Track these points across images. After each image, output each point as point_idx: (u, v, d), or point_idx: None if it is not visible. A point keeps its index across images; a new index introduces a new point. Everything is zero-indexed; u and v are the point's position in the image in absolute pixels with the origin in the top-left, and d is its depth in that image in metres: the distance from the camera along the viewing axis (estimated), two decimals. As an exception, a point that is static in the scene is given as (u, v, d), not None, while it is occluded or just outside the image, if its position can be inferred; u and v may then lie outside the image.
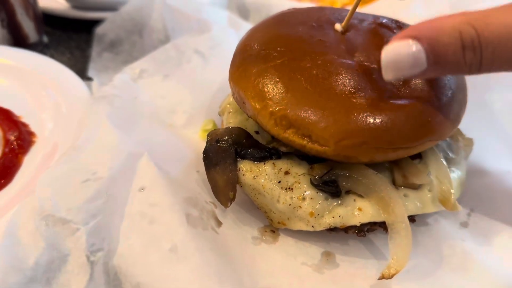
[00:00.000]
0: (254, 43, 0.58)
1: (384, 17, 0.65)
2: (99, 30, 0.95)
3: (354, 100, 0.49)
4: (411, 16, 0.89)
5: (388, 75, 0.43)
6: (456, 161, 0.59)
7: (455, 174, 0.57)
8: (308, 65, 0.52)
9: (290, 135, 0.51)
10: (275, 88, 0.52)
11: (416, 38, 0.40)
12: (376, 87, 0.50)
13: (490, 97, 0.68)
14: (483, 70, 0.40)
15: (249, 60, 0.56)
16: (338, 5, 1.09)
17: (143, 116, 0.69)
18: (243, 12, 1.12)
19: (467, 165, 0.63)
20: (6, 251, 0.45)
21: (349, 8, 0.58)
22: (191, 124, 0.73)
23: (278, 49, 0.55)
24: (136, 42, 0.94)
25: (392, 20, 0.64)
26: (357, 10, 0.58)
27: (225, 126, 0.63)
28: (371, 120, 0.48)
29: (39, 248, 0.46)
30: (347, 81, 0.50)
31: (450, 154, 0.59)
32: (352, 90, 0.50)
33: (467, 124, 0.63)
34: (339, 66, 0.52)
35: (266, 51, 0.55)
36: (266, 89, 0.52)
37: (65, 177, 0.52)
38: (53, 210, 0.48)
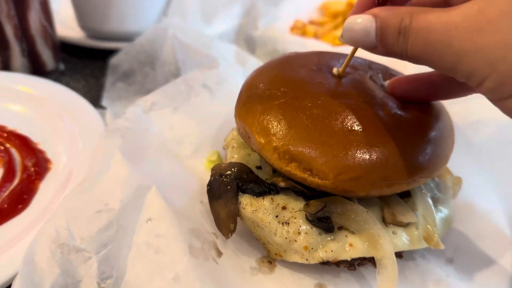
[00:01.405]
0: (259, 82, 0.63)
1: (376, 63, 0.70)
2: (114, 60, 1.01)
3: (352, 137, 0.54)
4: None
5: (344, 39, 0.50)
6: (443, 200, 0.63)
7: (442, 213, 0.61)
8: (309, 104, 0.57)
9: (292, 169, 0.55)
10: (278, 125, 0.56)
11: (374, 15, 0.46)
12: (372, 125, 0.55)
13: (478, 139, 0.72)
14: (410, 56, 0.45)
15: (255, 98, 0.61)
16: (337, 42, 1.13)
17: (152, 147, 0.73)
18: (250, 45, 1.18)
19: (455, 202, 0.67)
20: (25, 275, 0.50)
21: (346, 52, 0.63)
22: (197, 155, 0.77)
23: (282, 89, 0.60)
24: (148, 74, 0.99)
25: (385, 68, 0.69)
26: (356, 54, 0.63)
27: (228, 160, 0.67)
28: (367, 156, 0.53)
29: (54, 274, 0.50)
30: (345, 119, 0.55)
31: (438, 194, 0.63)
32: (350, 128, 0.54)
33: (456, 164, 0.68)
34: (338, 106, 0.57)
35: (271, 90, 0.60)
36: (270, 126, 0.57)
37: (80, 207, 0.56)
38: (68, 239, 0.53)
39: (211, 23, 1.17)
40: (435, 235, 0.57)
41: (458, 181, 0.68)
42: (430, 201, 0.60)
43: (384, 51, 0.47)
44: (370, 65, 0.69)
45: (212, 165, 0.66)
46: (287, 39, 1.09)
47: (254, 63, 0.99)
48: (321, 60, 0.67)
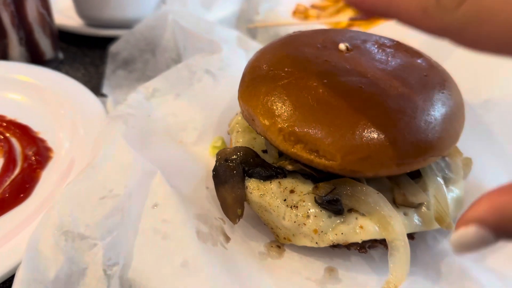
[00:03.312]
0: (263, 64, 0.61)
1: (385, 38, 0.68)
2: (113, 48, 0.99)
3: (359, 117, 0.52)
4: (415, 36, 0.92)
5: (457, 253, 0.42)
6: (454, 180, 0.61)
7: (453, 193, 0.60)
8: (314, 84, 0.55)
9: (298, 150, 0.54)
10: (283, 106, 0.55)
11: (481, 223, 0.38)
12: (380, 104, 0.53)
13: (489, 118, 0.70)
14: None
15: (258, 80, 0.59)
16: (343, 25, 1.12)
17: (155, 133, 0.72)
18: (252, 31, 1.16)
19: (466, 183, 0.65)
20: (29, 264, 0.48)
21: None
22: (201, 141, 0.76)
23: (286, 69, 0.58)
24: (149, 61, 0.98)
25: (393, 40, 0.67)
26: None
27: (233, 145, 0.66)
28: (375, 136, 0.51)
29: (58, 261, 0.49)
30: (352, 98, 0.53)
31: (449, 174, 0.61)
32: (357, 107, 0.53)
33: (466, 145, 0.66)
34: (344, 85, 0.55)
35: (274, 71, 0.59)
36: (274, 107, 0.55)
37: (83, 194, 0.55)
38: (72, 226, 0.51)
39: (211, 9, 1.15)
40: (448, 216, 0.56)
41: (468, 162, 0.67)
42: (441, 181, 0.58)
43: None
44: (379, 39, 0.67)
45: (216, 151, 0.65)
46: (288, 23, 1.07)
47: (257, 47, 0.97)
48: (327, 37, 0.65)
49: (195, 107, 0.79)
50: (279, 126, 0.54)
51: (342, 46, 0.61)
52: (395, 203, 0.57)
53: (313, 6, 1.24)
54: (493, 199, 0.38)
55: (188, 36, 0.92)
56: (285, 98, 0.55)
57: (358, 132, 0.51)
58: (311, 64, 0.58)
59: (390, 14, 0.45)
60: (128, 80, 0.95)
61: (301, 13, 1.16)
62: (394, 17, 0.45)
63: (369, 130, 0.51)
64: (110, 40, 1.01)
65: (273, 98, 0.56)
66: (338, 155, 0.51)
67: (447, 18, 0.39)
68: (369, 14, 0.48)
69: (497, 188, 0.38)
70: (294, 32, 0.69)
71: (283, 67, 0.59)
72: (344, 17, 1.13)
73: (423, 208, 0.57)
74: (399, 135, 0.52)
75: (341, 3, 1.23)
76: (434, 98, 0.56)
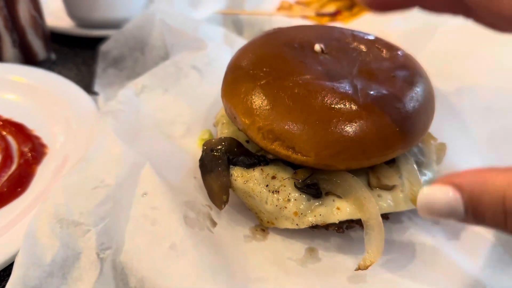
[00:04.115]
0: (243, 63, 0.65)
1: (361, 33, 0.71)
2: (103, 47, 1.02)
3: (331, 115, 0.56)
4: (393, 29, 0.96)
5: (422, 214, 0.41)
6: (427, 164, 0.65)
7: (426, 177, 0.63)
8: (290, 84, 0.59)
9: (276, 147, 0.57)
10: (261, 105, 0.58)
11: (457, 187, 0.38)
12: (350, 102, 0.57)
13: (461, 105, 0.74)
14: None
15: (239, 79, 0.63)
16: (325, 20, 1.15)
17: (145, 127, 0.75)
18: (238, 27, 1.19)
19: (440, 168, 0.69)
20: (27, 250, 0.52)
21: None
22: (189, 134, 0.79)
23: (264, 69, 0.62)
24: (138, 59, 1.01)
25: (369, 36, 0.71)
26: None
27: (219, 136, 0.70)
28: (346, 132, 0.55)
29: (55, 247, 0.52)
30: (325, 98, 0.57)
31: (421, 158, 0.65)
32: (329, 106, 0.57)
33: (440, 129, 0.70)
34: (317, 85, 0.59)
35: (254, 71, 0.62)
36: (254, 106, 0.59)
37: (77, 185, 0.58)
38: (66, 214, 0.55)
39: (198, 7, 1.18)
40: (419, 196, 0.60)
41: (442, 147, 0.70)
42: (414, 165, 0.62)
43: (480, 225, 0.39)
44: (355, 36, 0.71)
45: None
46: (273, 18, 1.10)
47: (242, 43, 0.99)
48: (304, 36, 0.69)
49: (182, 102, 0.82)
50: (258, 124, 0.58)
51: (317, 47, 0.65)
52: (370, 186, 0.60)
53: (298, 2, 1.27)
54: (481, 174, 0.37)
55: (175, 34, 0.95)
56: (264, 97, 0.59)
57: (330, 129, 0.55)
58: (287, 65, 0.62)
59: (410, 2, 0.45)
60: (119, 78, 0.98)
61: (285, 9, 1.20)
62: (415, 3, 0.46)
63: (340, 127, 0.55)
64: (101, 40, 1.04)
65: (252, 97, 0.59)
66: (312, 152, 0.55)
67: None
68: (386, 10, 0.48)
69: (489, 168, 0.38)
70: (274, 29, 0.73)
71: (261, 67, 0.62)
72: (312, 12, 1.16)
73: (397, 190, 0.60)
74: (368, 131, 0.56)
75: (325, -2, 1.26)
76: (403, 94, 0.60)
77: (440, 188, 0.38)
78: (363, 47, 0.68)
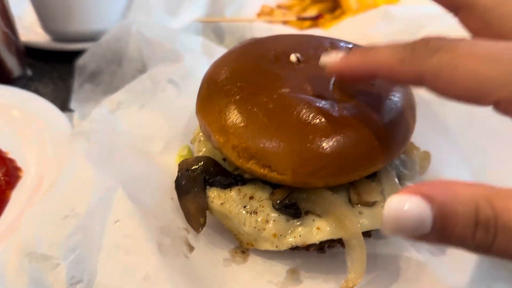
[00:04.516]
0: (217, 77, 0.63)
1: (341, 42, 0.69)
2: (80, 61, 0.99)
3: (307, 131, 0.54)
4: (376, 32, 0.94)
5: (386, 229, 0.36)
6: (410, 177, 0.63)
7: (409, 189, 0.62)
8: (265, 99, 0.57)
9: (252, 166, 0.55)
10: (236, 122, 0.56)
11: (427, 197, 0.34)
12: (327, 117, 0.55)
13: (444, 113, 0.72)
14: (491, 254, 0.35)
15: (213, 95, 0.61)
16: (307, 24, 1.13)
17: (120, 147, 0.73)
18: (219, 34, 1.17)
19: (425, 177, 0.68)
20: (-6, 288, 0.50)
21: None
22: (167, 151, 0.77)
23: (238, 84, 0.60)
24: (116, 72, 0.98)
25: (348, 44, 0.68)
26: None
27: (196, 154, 0.67)
28: (323, 149, 0.53)
29: (23, 284, 0.50)
30: (300, 113, 0.55)
31: (404, 170, 0.63)
32: (305, 122, 0.54)
33: (424, 138, 0.68)
34: (293, 99, 0.57)
35: (227, 86, 0.60)
36: (228, 124, 0.57)
37: (46, 215, 0.56)
38: (35, 247, 0.53)
39: (177, 15, 1.15)
40: (402, 211, 0.58)
41: (426, 156, 0.69)
42: (396, 179, 0.60)
43: (441, 242, 0.35)
44: (333, 44, 0.68)
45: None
46: (253, 26, 1.08)
47: (222, 52, 0.97)
48: (280, 46, 0.67)
49: (160, 117, 0.80)
50: (233, 143, 0.56)
51: (293, 57, 0.63)
52: (350, 203, 0.59)
53: (279, 6, 1.25)
54: (451, 186, 0.35)
55: (151, 46, 0.93)
56: (238, 115, 0.56)
57: (306, 146, 0.53)
58: (262, 78, 0.60)
59: (371, 73, 0.48)
60: (96, 93, 0.96)
61: (266, 14, 1.17)
62: (375, 75, 0.49)
63: (317, 143, 0.53)
64: (79, 53, 1.02)
65: (226, 115, 0.57)
66: (289, 170, 0.53)
67: (423, 66, 0.41)
68: (354, 81, 0.57)
69: (455, 180, 0.35)
70: (250, 40, 0.71)
71: (236, 81, 0.60)
72: (293, 16, 1.14)
73: (378, 206, 0.58)
74: (346, 146, 0.53)
75: (306, 0, 1.24)
76: (381, 105, 0.58)
77: (410, 199, 0.34)
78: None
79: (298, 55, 0.64)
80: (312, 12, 1.18)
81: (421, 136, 0.67)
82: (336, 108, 0.56)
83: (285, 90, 0.58)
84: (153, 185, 0.68)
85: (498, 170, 0.68)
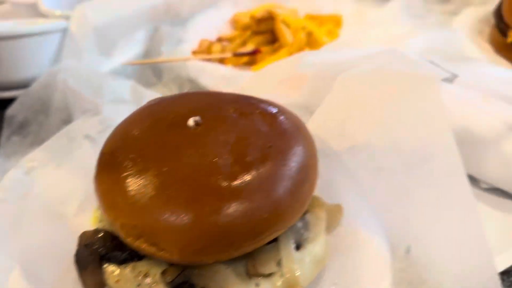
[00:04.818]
0: (112, 147, 0.61)
1: (244, 98, 0.67)
2: (9, 111, 0.98)
3: (196, 206, 0.52)
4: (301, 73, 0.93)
5: None
6: (313, 239, 0.62)
7: (311, 254, 0.60)
8: (155, 173, 0.55)
9: (141, 244, 0.54)
10: (124, 199, 0.55)
11: None
12: (218, 188, 0.53)
13: (354, 164, 0.71)
14: None
15: (106, 168, 0.59)
16: (244, 60, 1.12)
17: (31, 213, 0.71)
18: (157, 72, 1.15)
19: (341, 229, 0.66)
20: None
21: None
22: (83, 212, 0.75)
23: (130, 156, 0.58)
24: (43, 123, 0.97)
25: (251, 101, 0.67)
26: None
27: (98, 223, 0.66)
28: (210, 225, 0.51)
29: None
30: (189, 187, 0.53)
31: (305, 233, 0.61)
32: (195, 196, 0.53)
33: (336, 190, 0.67)
34: (183, 170, 0.55)
35: (120, 158, 0.58)
36: (116, 201, 0.55)
37: None
38: None
39: (112, 55, 1.14)
40: (298, 283, 0.57)
41: (338, 209, 0.67)
42: (292, 246, 0.59)
43: None
44: (235, 103, 0.67)
45: (98, 221, 0.64)
46: (186, 64, 1.07)
47: (151, 96, 0.96)
48: (181, 109, 0.65)
49: (75, 176, 0.78)
50: (122, 220, 0.54)
51: (190, 122, 0.61)
52: (249, 273, 0.57)
53: (220, 39, 1.24)
54: None
55: (75, 96, 0.92)
56: (126, 191, 0.55)
57: (194, 222, 0.51)
58: (154, 148, 0.58)
59: None
60: (22, 146, 0.94)
61: (204, 50, 1.16)
62: None
63: (205, 219, 0.51)
64: (10, 101, 1.00)
65: (115, 191, 0.56)
66: (176, 249, 0.52)
67: None
68: None
69: None
70: (154, 100, 0.69)
71: (128, 153, 0.58)
72: (230, 53, 1.13)
73: (276, 276, 0.57)
74: (235, 221, 0.52)
75: (248, 32, 1.23)
76: (276, 172, 0.56)
77: None
78: (242, 118, 0.64)
79: (197, 118, 0.62)
80: (250, 46, 1.16)
81: (333, 187, 0.66)
82: (230, 177, 0.54)
83: (178, 161, 0.56)
84: (58, 255, 0.66)
85: (413, 222, 0.67)
